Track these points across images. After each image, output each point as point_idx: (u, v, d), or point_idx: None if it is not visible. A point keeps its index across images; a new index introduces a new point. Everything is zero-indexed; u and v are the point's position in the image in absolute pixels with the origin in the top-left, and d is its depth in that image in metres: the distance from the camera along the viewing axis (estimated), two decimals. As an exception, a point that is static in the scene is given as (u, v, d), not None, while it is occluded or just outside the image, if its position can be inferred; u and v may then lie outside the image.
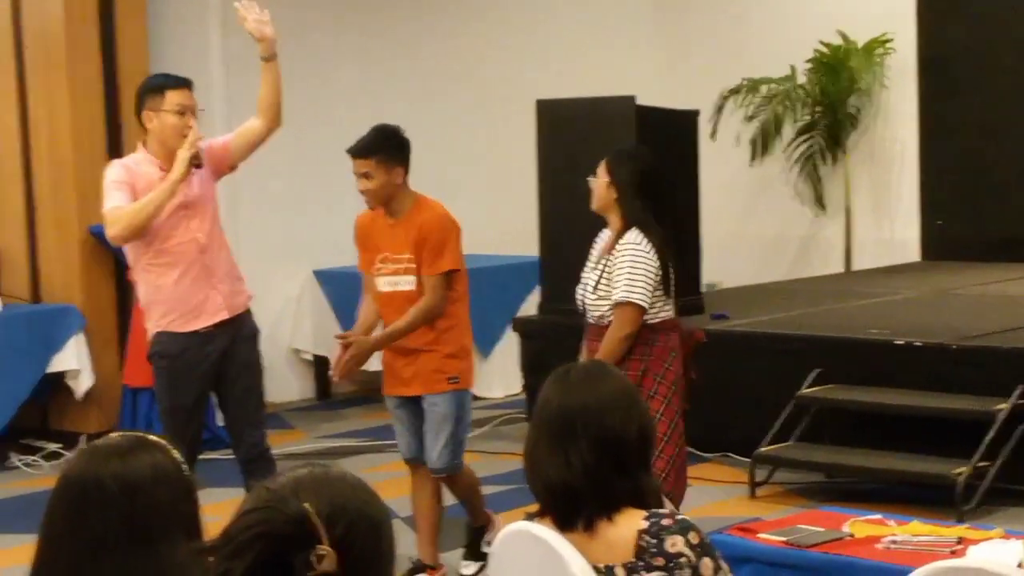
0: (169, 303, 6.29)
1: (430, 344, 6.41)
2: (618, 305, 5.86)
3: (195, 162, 6.21)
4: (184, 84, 6.24)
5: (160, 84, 6.26)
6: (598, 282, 5.93)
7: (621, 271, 5.86)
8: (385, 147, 6.42)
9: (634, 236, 5.89)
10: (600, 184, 6.00)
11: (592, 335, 6.02)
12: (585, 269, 6.12)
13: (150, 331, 6.36)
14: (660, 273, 5.88)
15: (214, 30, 10.87)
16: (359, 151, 6.43)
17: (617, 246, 5.91)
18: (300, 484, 2.22)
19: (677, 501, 6.02)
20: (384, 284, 6.47)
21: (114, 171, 6.23)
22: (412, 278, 6.40)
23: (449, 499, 6.79)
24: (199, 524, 2.55)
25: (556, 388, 3.51)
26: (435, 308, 6.38)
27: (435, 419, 6.46)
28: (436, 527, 6.64)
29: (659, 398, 5.90)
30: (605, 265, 5.93)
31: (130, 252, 6.34)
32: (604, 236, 6.10)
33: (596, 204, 6.05)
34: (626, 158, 6.05)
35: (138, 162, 6.26)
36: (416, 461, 6.60)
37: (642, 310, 5.86)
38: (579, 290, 6.09)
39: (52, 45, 9.57)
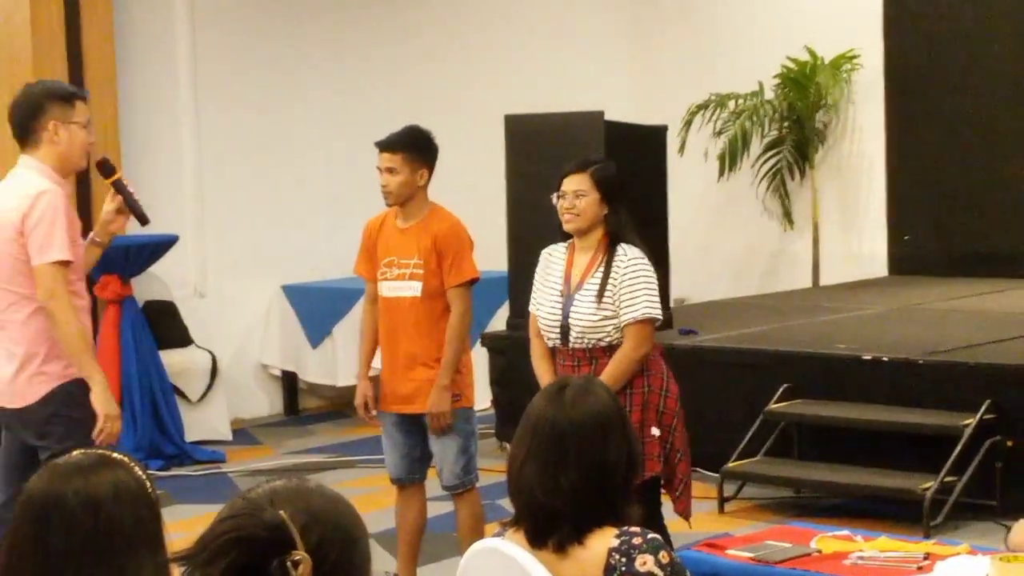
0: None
1: (432, 359, 6.31)
2: (638, 323, 5.64)
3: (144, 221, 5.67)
4: (86, 96, 5.68)
5: (70, 93, 5.57)
6: (600, 302, 5.66)
7: (636, 288, 5.65)
8: (416, 145, 6.33)
9: (633, 251, 5.71)
10: (590, 201, 5.72)
11: (580, 360, 5.73)
12: (547, 292, 5.83)
13: (56, 377, 5.42)
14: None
15: (182, 40, 10.84)
16: (389, 144, 6.32)
17: (619, 262, 5.67)
18: (276, 494, 2.24)
19: (688, 516, 5.97)
20: (387, 289, 6.36)
21: (59, 202, 5.37)
22: (418, 284, 6.28)
23: (430, 512, 6.75)
24: (163, 541, 2.54)
25: (551, 405, 3.47)
26: (467, 317, 6.32)
27: (441, 436, 6.34)
28: (417, 545, 6.60)
29: (670, 413, 5.75)
30: (604, 284, 5.67)
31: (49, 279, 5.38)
32: (557, 254, 5.86)
33: (583, 223, 5.73)
34: (609, 169, 5.83)
35: (60, 184, 5.45)
36: (402, 481, 6.52)
37: (655, 326, 5.77)
38: (553, 314, 5.78)
39: (18, 54, 9.54)
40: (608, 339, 5.70)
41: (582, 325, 5.71)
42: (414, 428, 6.42)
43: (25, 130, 5.47)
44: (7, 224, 5.39)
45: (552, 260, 5.89)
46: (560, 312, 5.77)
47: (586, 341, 5.72)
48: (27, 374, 5.41)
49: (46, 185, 5.38)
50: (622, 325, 5.68)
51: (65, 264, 5.35)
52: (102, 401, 5.39)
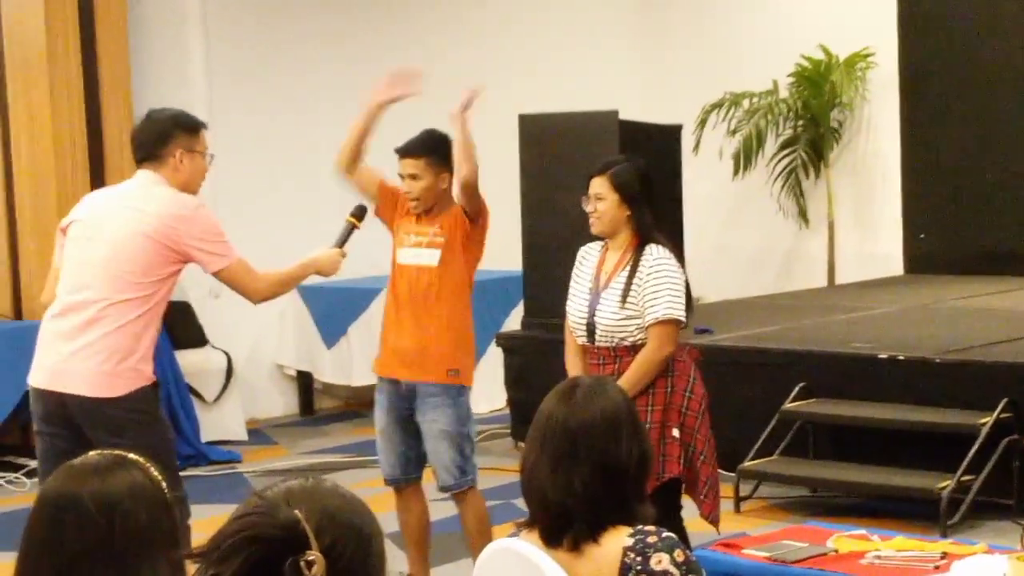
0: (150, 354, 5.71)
1: (442, 328, 6.25)
2: (660, 323, 5.60)
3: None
4: (207, 126, 5.80)
5: (196, 123, 5.74)
6: (624, 302, 5.65)
7: (660, 288, 5.63)
8: (438, 149, 6.31)
9: (660, 251, 5.68)
10: (609, 204, 5.71)
11: (604, 359, 5.73)
12: (578, 290, 5.84)
13: (144, 377, 5.54)
14: (686, 288, 5.77)
15: (195, 41, 10.86)
16: (412, 150, 6.30)
17: (644, 263, 5.66)
18: (291, 493, 2.23)
19: (716, 522, 5.91)
20: (403, 256, 6.35)
21: (212, 215, 5.67)
22: (436, 252, 6.26)
23: (439, 514, 6.75)
24: (178, 541, 2.54)
25: (561, 404, 3.47)
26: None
27: (433, 430, 6.27)
28: (425, 545, 6.58)
29: (692, 414, 5.72)
30: (629, 284, 5.66)
31: (131, 288, 5.53)
32: (593, 253, 5.87)
33: (604, 227, 5.74)
34: (629, 171, 5.79)
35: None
36: (398, 482, 6.50)
37: (680, 327, 5.72)
38: (580, 311, 5.78)
39: (33, 58, 9.55)
40: (631, 339, 5.68)
41: (606, 324, 5.70)
42: (410, 427, 6.37)
43: (149, 154, 5.60)
44: (161, 228, 5.48)
45: (586, 258, 5.90)
46: (587, 310, 5.77)
47: (610, 340, 5.71)
48: (118, 366, 5.47)
49: (194, 199, 5.60)
50: (645, 325, 5.65)
51: (242, 260, 5.66)
52: (327, 260, 6.06)
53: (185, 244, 5.50)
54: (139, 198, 5.56)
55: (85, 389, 5.48)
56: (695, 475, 5.77)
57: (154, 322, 5.58)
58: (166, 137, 5.60)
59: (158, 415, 5.61)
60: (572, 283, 5.93)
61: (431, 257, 6.28)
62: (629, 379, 5.56)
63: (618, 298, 5.68)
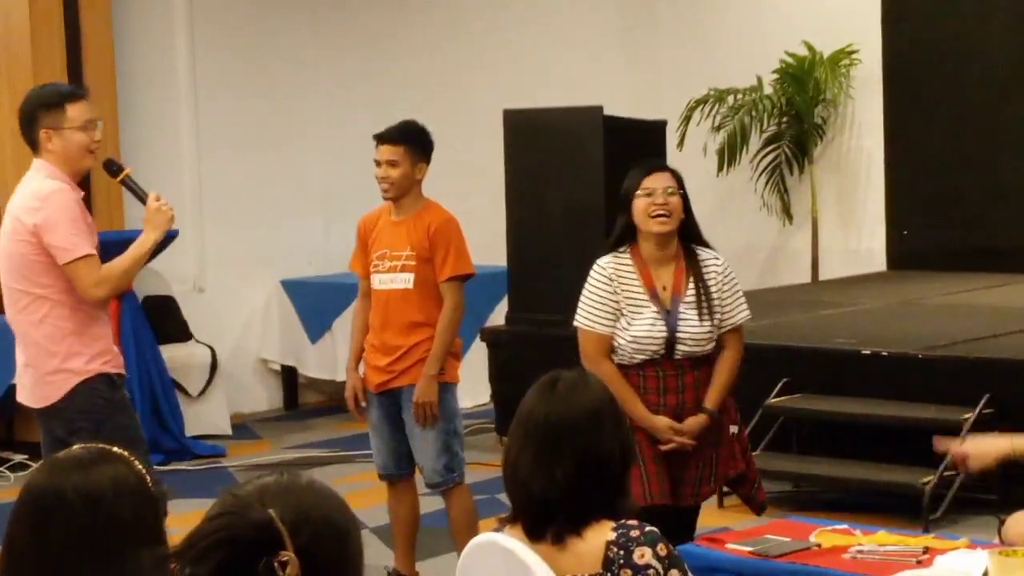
0: (108, 340, 5.60)
1: (422, 350, 6.29)
2: (739, 328, 5.58)
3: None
4: (83, 96, 5.56)
5: (60, 97, 5.50)
6: (712, 313, 5.49)
7: (737, 292, 5.58)
8: (416, 139, 6.37)
9: (714, 254, 5.59)
10: (680, 201, 5.49)
11: (682, 368, 5.48)
12: (639, 309, 5.44)
13: (78, 373, 5.44)
14: None
15: (181, 40, 10.85)
16: (391, 137, 6.35)
17: (713, 269, 5.52)
18: (266, 491, 2.23)
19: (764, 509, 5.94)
20: (379, 282, 6.37)
21: (70, 200, 5.42)
22: (409, 276, 6.30)
23: (424, 508, 6.77)
24: (163, 535, 2.55)
25: (543, 399, 3.49)
26: (459, 311, 6.33)
27: (419, 428, 6.30)
28: (413, 539, 6.62)
29: (733, 409, 5.72)
30: (704, 295, 5.47)
31: (48, 274, 5.46)
32: (625, 269, 5.50)
33: (675, 223, 5.47)
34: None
35: (68, 183, 5.48)
36: (392, 477, 6.53)
37: None
38: (657, 330, 5.42)
39: (17, 57, 9.54)
40: (709, 346, 5.55)
41: (694, 338, 5.49)
42: (400, 422, 6.41)
43: (27, 139, 5.54)
44: (18, 226, 5.45)
45: (623, 275, 5.51)
46: (665, 328, 5.45)
47: (693, 352, 5.51)
48: (46, 372, 5.46)
49: (54, 185, 5.42)
50: (727, 330, 5.56)
51: (92, 257, 5.41)
52: (149, 222, 5.58)
53: (40, 235, 5.39)
54: (21, 196, 5.51)
55: (29, 400, 5.58)
56: (749, 467, 5.78)
57: (67, 315, 5.43)
58: (31, 120, 5.49)
59: (106, 412, 5.44)
60: (607, 301, 5.49)
61: (406, 281, 6.33)
62: (729, 386, 5.59)
63: (696, 311, 5.49)
